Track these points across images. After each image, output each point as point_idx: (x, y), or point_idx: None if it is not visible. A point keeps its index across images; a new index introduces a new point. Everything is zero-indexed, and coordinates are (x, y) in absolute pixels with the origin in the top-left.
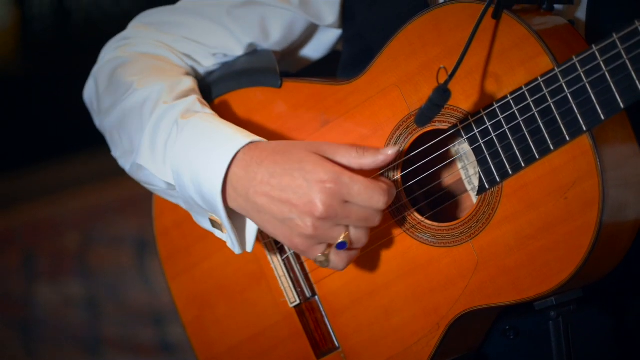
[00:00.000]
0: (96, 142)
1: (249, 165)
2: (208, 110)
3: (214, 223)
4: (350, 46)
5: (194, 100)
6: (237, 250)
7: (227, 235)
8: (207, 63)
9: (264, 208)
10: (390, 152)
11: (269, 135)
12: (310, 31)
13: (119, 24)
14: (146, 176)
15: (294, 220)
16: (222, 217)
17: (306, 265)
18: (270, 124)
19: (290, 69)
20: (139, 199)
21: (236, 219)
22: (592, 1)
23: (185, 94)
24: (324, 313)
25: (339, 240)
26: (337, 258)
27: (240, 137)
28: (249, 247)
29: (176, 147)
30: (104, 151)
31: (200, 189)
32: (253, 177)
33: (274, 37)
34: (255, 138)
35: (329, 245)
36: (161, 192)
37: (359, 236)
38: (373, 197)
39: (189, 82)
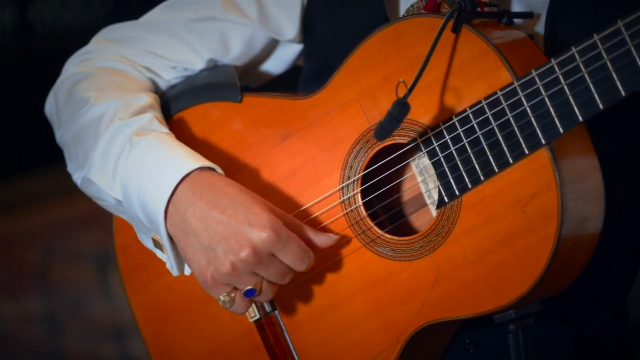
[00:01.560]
0: (57, 157)
1: (199, 187)
2: (164, 129)
3: (156, 243)
4: (311, 61)
5: (151, 117)
6: (175, 272)
7: (167, 257)
8: (168, 76)
9: (195, 231)
10: (331, 240)
11: (229, 149)
12: (271, 46)
13: (83, 39)
14: (96, 191)
15: (217, 252)
16: (163, 237)
17: None
18: (230, 138)
19: (252, 84)
20: (99, 215)
21: None
22: (550, 15)
23: (142, 111)
24: (283, 327)
25: (250, 287)
26: (242, 303)
27: (193, 161)
28: (188, 271)
29: (127, 163)
30: (64, 166)
31: (145, 207)
32: (198, 199)
33: (234, 52)
34: (210, 164)
35: (235, 289)
36: (112, 208)
37: (267, 290)
38: (299, 259)
39: (147, 99)
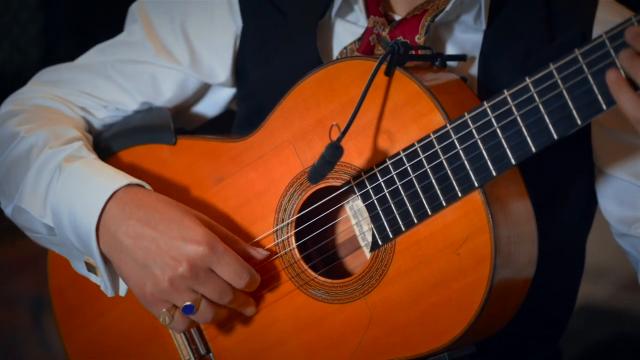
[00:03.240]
0: None
1: (128, 204)
2: (93, 155)
3: (89, 267)
4: (244, 104)
5: (80, 146)
6: (109, 292)
7: (100, 279)
8: (101, 115)
9: (128, 249)
10: (262, 255)
11: (163, 193)
12: (203, 89)
13: (17, 82)
14: (27, 220)
15: (154, 269)
16: (96, 257)
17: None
18: (163, 181)
19: (186, 126)
20: (33, 258)
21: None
22: (483, 58)
23: (71, 141)
24: None
25: (188, 303)
26: (181, 319)
27: (121, 178)
28: (122, 292)
29: (57, 188)
30: None
31: (77, 229)
32: (129, 216)
33: (167, 95)
34: (138, 182)
35: (174, 306)
36: (43, 239)
37: (206, 310)
38: (236, 274)
39: (76, 132)
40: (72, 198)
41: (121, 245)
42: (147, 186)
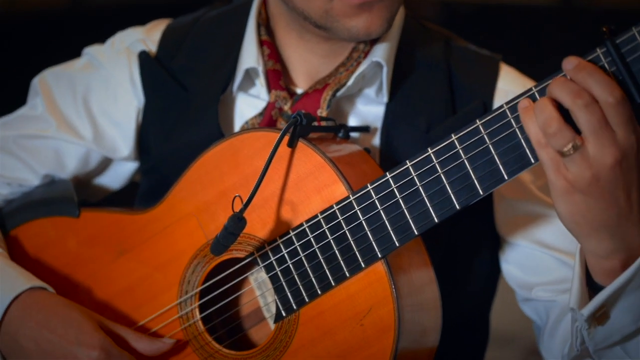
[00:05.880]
0: None
1: (29, 307)
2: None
3: None
4: (147, 177)
5: None
6: None
7: None
8: (4, 192)
9: (26, 351)
10: (166, 345)
11: (65, 266)
12: (106, 163)
13: None
14: None
15: None
16: None
17: None
18: (66, 254)
19: (90, 198)
20: None
21: None
22: (385, 130)
23: None
24: None
25: None
26: None
27: (23, 281)
28: None
29: None
30: None
31: None
32: (28, 319)
33: (70, 169)
34: (41, 284)
35: None
36: None
37: None
38: None
39: None
40: None
41: (19, 347)
42: (50, 289)
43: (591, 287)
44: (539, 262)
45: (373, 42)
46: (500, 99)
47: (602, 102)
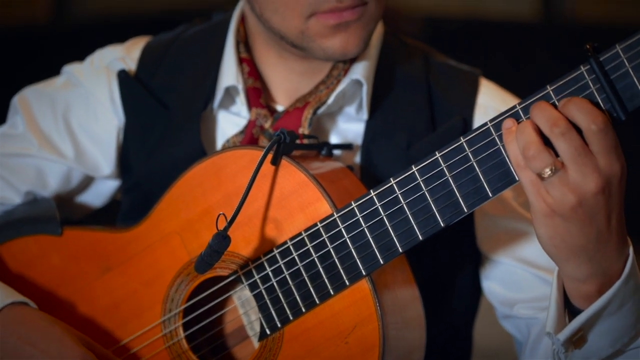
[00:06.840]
0: None
1: (11, 322)
2: None
3: None
4: (129, 196)
5: None
6: None
7: None
8: None
9: None
10: None
11: (48, 283)
12: (88, 181)
13: None
14: None
15: None
16: None
17: None
18: (49, 272)
19: (71, 216)
20: None
21: None
22: (365, 147)
23: None
24: None
25: None
26: None
27: (4, 296)
28: None
29: None
30: None
31: None
32: (10, 334)
33: (52, 187)
34: (22, 299)
35: None
36: None
37: None
38: None
39: None
40: None
41: None
42: (32, 304)
43: (570, 309)
44: (520, 279)
45: (352, 59)
46: (480, 114)
47: (585, 130)
